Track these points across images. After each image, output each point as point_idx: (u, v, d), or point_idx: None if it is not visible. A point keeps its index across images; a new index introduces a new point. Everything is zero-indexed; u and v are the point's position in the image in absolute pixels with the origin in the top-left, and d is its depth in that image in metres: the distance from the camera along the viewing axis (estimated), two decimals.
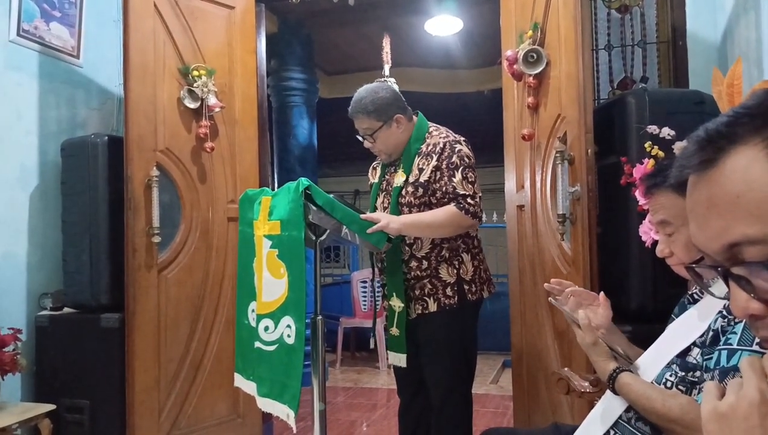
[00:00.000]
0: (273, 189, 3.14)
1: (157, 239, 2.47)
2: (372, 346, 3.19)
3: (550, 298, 1.58)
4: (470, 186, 2.10)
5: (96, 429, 2.44)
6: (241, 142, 2.88)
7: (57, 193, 2.71)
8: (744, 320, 1.10)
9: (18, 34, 2.64)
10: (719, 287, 0.84)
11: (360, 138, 2.25)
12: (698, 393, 1.14)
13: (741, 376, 1.06)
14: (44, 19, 2.74)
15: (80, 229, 2.54)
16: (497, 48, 2.67)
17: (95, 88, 3.05)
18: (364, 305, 5.42)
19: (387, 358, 4.89)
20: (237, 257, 2.67)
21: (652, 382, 1.25)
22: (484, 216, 2.20)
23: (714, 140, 0.55)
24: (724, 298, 0.85)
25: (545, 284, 1.51)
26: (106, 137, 2.57)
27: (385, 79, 4.76)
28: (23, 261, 2.63)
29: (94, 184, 2.52)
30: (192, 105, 2.64)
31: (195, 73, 2.65)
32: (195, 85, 2.64)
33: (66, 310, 2.63)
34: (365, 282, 5.47)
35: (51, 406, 2.39)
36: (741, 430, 0.54)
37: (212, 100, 2.68)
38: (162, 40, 2.59)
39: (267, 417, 2.92)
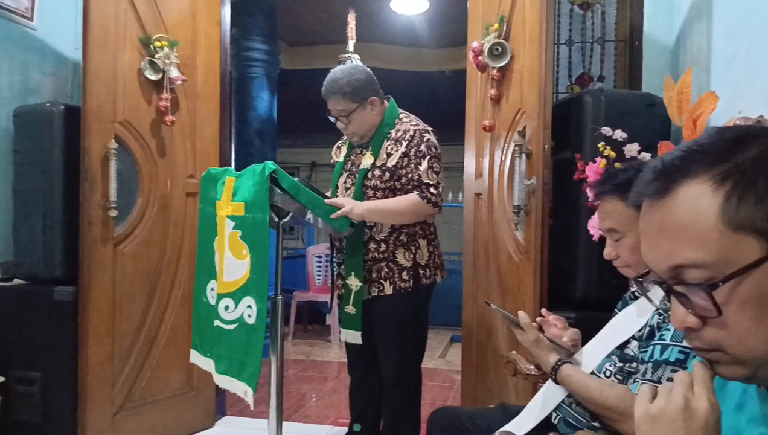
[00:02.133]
0: (231, 162, 3.14)
1: (113, 213, 2.43)
2: (328, 322, 3.26)
3: (487, 302, 1.68)
4: (435, 175, 2.16)
5: (47, 401, 2.42)
6: (203, 116, 2.84)
7: (8, 161, 2.61)
8: None
9: None
10: (655, 293, 0.93)
11: (332, 119, 2.27)
12: (633, 382, 1.25)
13: (670, 370, 1.17)
14: None
15: (33, 200, 2.47)
16: (462, 30, 2.71)
17: (50, 53, 2.93)
18: (319, 279, 5.47)
19: (339, 333, 4.97)
20: (195, 233, 2.68)
21: (592, 372, 1.36)
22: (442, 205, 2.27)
23: (669, 172, 0.63)
24: (659, 306, 0.95)
25: (538, 319, 1.56)
26: (63, 106, 2.49)
27: (350, 54, 4.75)
28: None
29: (49, 153, 2.45)
30: (153, 76, 2.59)
31: (157, 43, 2.59)
32: (157, 56, 2.58)
33: (16, 281, 2.57)
34: (320, 256, 5.51)
35: (0, 378, 2.36)
36: (668, 430, 0.62)
37: (174, 73, 2.63)
38: (123, 8, 2.51)
39: (220, 390, 2.96)
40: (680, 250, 0.61)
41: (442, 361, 4.51)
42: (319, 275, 5.44)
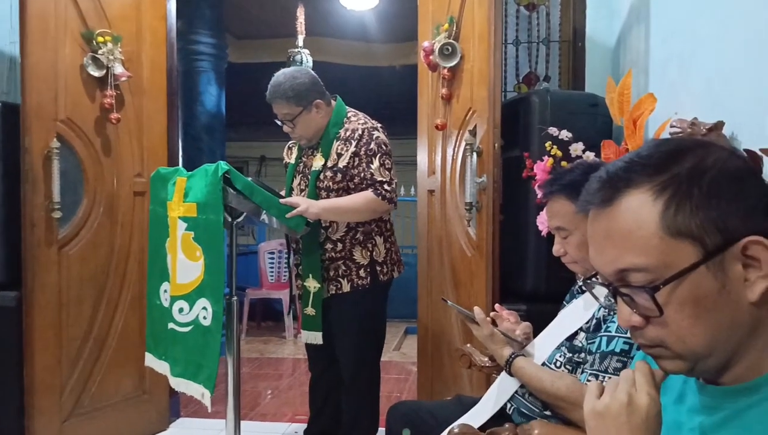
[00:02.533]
0: (179, 159, 3.07)
1: (57, 214, 2.35)
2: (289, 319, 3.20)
3: (444, 299, 1.73)
4: (387, 172, 2.19)
5: None
6: (150, 113, 2.77)
7: None
8: None
9: None
10: (601, 291, 1.00)
11: (279, 122, 2.26)
12: (582, 372, 1.32)
13: (615, 360, 1.24)
14: None
15: None
16: (411, 26, 2.74)
17: None
18: (272, 276, 5.43)
19: (294, 330, 4.95)
20: (143, 234, 2.63)
21: (543, 362, 1.42)
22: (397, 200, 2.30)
23: (613, 182, 0.67)
24: (604, 304, 1.01)
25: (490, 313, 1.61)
26: (0, 104, 2.38)
27: (299, 49, 4.72)
28: None
29: None
30: (96, 73, 2.50)
31: (100, 39, 2.51)
32: (100, 52, 2.50)
33: None
34: (272, 253, 5.47)
35: None
36: (613, 425, 0.67)
37: (119, 69, 2.55)
38: (63, 2, 2.41)
39: (173, 392, 2.91)
40: (624, 256, 0.66)
41: (396, 354, 4.57)
42: (272, 272, 5.41)
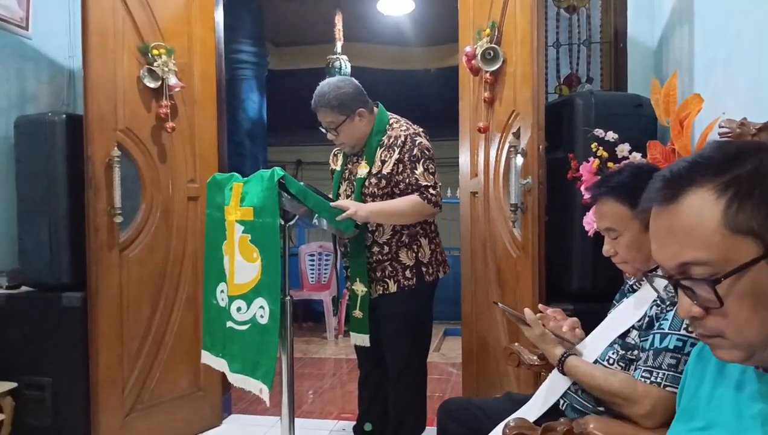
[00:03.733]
0: (227, 165, 3.18)
1: (119, 219, 2.48)
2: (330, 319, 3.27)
3: (495, 302, 1.77)
4: (431, 177, 2.25)
5: (59, 406, 2.47)
6: (201, 121, 2.89)
7: (9, 170, 2.64)
8: (675, 309, 1.32)
9: None
10: (659, 284, 1.04)
11: (323, 130, 2.34)
12: (635, 369, 1.35)
13: (669, 356, 1.27)
14: None
15: (37, 208, 2.50)
16: (446, 28, 2.80)
17: (45, 61, 2.96)
18: (312, 278, 5.54)
19: (338, 333, 5.04)
20: (197, 237, 2.75)
21: (596, 360, 1.46)
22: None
23: (676, 181, 0.72)
24: (664, 296, 1.04)
25: (530, 313, 1.63)
26: (64, 115, 2.53)
27: (338, 55, 4.82)
28: None
29: (52, 162, 2.49)
30: (152, 84, 2.63)
31: (155, 51, 2.63)
32: (155, 64, 2.62)
33: (23, 288, 2.61)
34: (312, 255, 5.57)
35: (12, 384, 2.41)
36: None
37: (173, 80, 2.68)
38: (121, 17, 2.55)
39: (226, 389, 3.02)
40: (687, 250, 0.70)
41: (437, 355, 4.61)
42: (312, 274, 5.51)
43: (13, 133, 2.63)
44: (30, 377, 2.47)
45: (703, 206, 0.69)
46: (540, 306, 1.71)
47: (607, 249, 1.47)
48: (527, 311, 1.57)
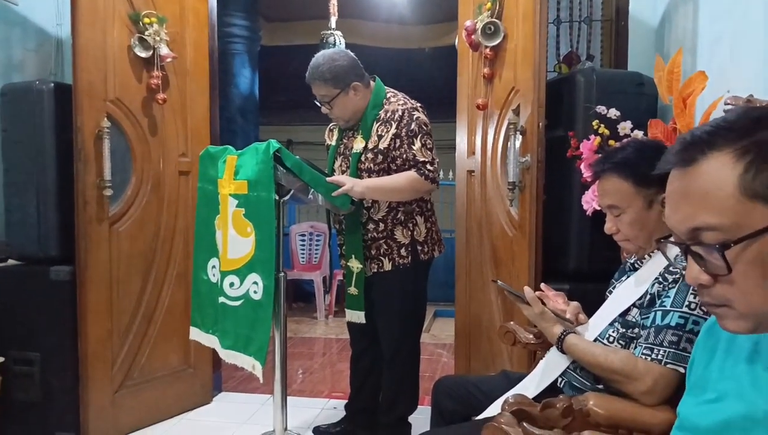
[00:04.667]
0: (218, 140, 3.12)
1: (108, 192, 2.42)
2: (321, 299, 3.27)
3: (495, 280, 1.75)
4: (429, 152, 2.21)
5: (47, 381, 2.43)
6: (193, 93, 2.83)
7: None
8: (677, 286, 1.30)
9: None
10: (672, 252, 1.01)
11: (317, 103, 2.29)
12: (635, 347, 1.34)
13: (671, 334, 1.26)
14: None
15: (25, 179, 2.44)
16: (442, 6, 2.76)
17: (32, 29, 2.87)
18: (303, 258, 5.51)
19: (326, 312, 5.02)
20: (188, 212, 2.70)
21: (596, 338, 1.44)
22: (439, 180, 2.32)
23: (696, 144, 0.70)
24: (673, 262, 1.02)
25: (536, 292, 1.61)
26: (52, 84, 2.45)
27: (332, 31, 4.73)
28: None
29: (40, 132, 2.41)
30: (143, 54, 2.56)
31: (146, 20, 2.56)
32: (146, 33, 2.55)
33: (10, 262, 2.55)
34: (303, 235, 5.54)
35: (0, 359, 2.37)
36: None
37: (164, 50, 2.61)
38: None
39: (216, 366, 3.00)
40: (699, 214, 0.68)
41: (427, 335, 4.61)
42: (303, 253, 5.48)
43: (0, 102, 2.55)
44: (18, 352, 2.43)
45: (720, 170, 0.67)
46: (542, 285, 1.69)
47: (609, 226, 1.45)
48: (527, 289, 1.55)
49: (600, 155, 1.67)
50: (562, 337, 1.46)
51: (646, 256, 1.45)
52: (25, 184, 2.45)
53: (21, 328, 2.44)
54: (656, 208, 1.38)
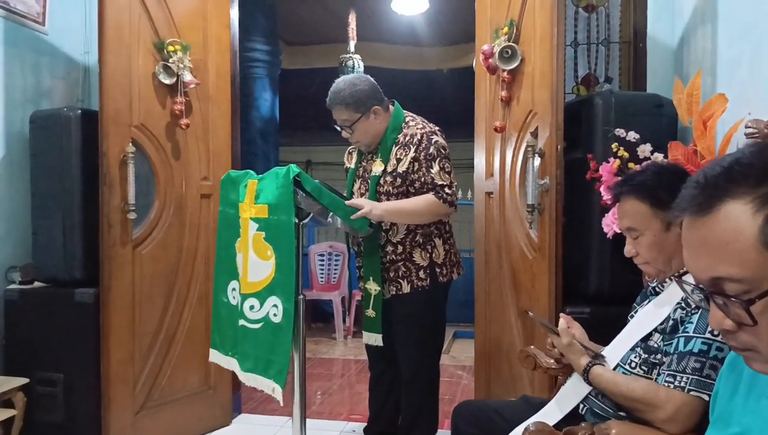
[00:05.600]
0: (240, 163, 3.17)
1: (132, 216, 2.47)
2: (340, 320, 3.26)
3: (527, 312, 1.76)
4: (447, 176, 2.22)
5: (70, 401, 2.46)
6: (215, 118, 2.88)
7: (24, 164, 2.65)
8: (700, 311, 1.29)
9: None
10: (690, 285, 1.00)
11: (338, 128, 2.32)
12: (658, 375, 1.32)
13: (694, 360, 1.24)
14: None
15: (52, 203, 2.50)
16: (460, 28, 2.78)
17: (61, 56, 2.96)
18: (322, 278, 5.52)
19: (345, 333, 5.03)
20: (210, 234, 2.74)
21: (617, 364, 1.43)
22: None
23: (711, 190, 0.68)
24: (694, 300, 1.01)
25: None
26: (80, 111, 2.52)
27: (351, 54, 4.80)
28: None
29: (67, 157, 2.48)
30: (167, 81, 2.62)
31: (170, 48, 2.62)
32: (171, 60, 2.62)
33: (37, 284, 2.61)
34: (322, 255, 5.56)
35: (24, 380, 2.40)
36: None
37: (188, 77, 2.67)
38: (137, 13, 2.54)
39: (236, 388, 3.01)
40: (720, 265, 0.67)
41: (446, 357, 4.57)
42: (322, 273, 5.50)
43: (29, 128, 2.63)
44: (42, 373, 2.47)
45: (738, 219, 0.65)
46: (561, 315, 1.68)
47: (628, 249, 1.45)
48: (561, 321, 1.55)
49: (620, 178, 1.67)
50: (588, 368, 1.44)
51: (666, 280, 1.44)
52: (52, 208, 2.51)
53: (45, 350, 2.48)
54: (675, 230, 1.37)
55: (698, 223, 0.69)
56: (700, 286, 0.71)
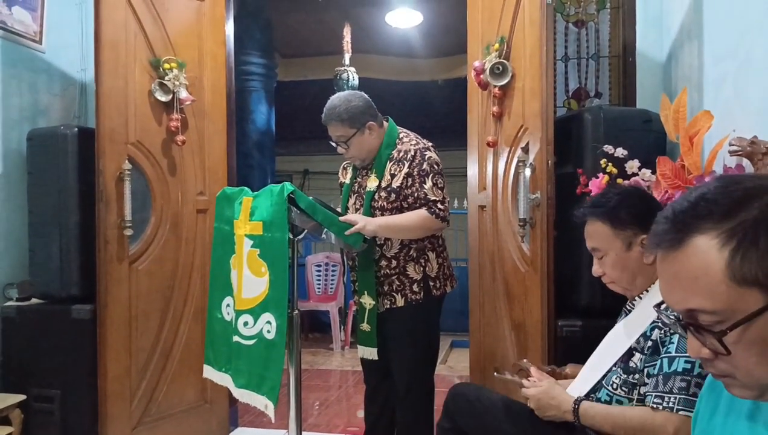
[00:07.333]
0: (235, 177, 3.20)
1: (129, 232, 2.49)
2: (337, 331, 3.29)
3: (495, 373, 1.85)
4: (440, 191, 2.25)
5: (67, 418, 2.48)
6: (210, 134, 2.91)
7: (21, 182, 2.67)
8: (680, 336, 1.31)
9: None
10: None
11: (333, 143, 2.35)
12: (638, 395, 1.35)
13: (679, 380, 1.26)
14: (6, 4, 2.66)
15: (49, 220, 2.53)
16: (453, 41, 2.82)
17: (57, 74, 2.99)
18: (318, 289, 5.54)
19: (344, 345, 5.03)
20: (206, 249, 2.76)
21: (600, 382, 1.45)
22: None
23: (680, 225, 0.71)
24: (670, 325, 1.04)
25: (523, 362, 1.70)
26: (76, 129, 2.55)
27: (345, 68, 4.84)
28: None
29: (64, 175, 2.51)
30: (163, 98, 2.65)
31: (166, 65, 2.66)
32: (166, 78, 2.65)
33: (34, 300, 2.62)
34: (319, 265, 5.58)
35: (21, 397, 2.42)
36: None
37: (183, 94, 2.70)
38: (133, 31, 2.57)
39: (232, 401, 3.02)
40: (692, 298, 0.70)
41: (443, 367, 4.59)
42: (318, 284, 5.52)
43: (26, 146, 2.66)
44: (39, 389, 2.48)
45: (707, 254, 0.68)
46: (532, 369, 1.71)
47: (595, 269, 1.52)
48: (533, 370, 1.60)
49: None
50: (576, 408, 1.43)
51: (636, 298, 1.49)
52: (49, 225, 2.53)
53: (42, 366, 2.50)
54: (636, 249, 1.44)
55: (670, 257, 0.71)
56: (678, 316, 0.74)
